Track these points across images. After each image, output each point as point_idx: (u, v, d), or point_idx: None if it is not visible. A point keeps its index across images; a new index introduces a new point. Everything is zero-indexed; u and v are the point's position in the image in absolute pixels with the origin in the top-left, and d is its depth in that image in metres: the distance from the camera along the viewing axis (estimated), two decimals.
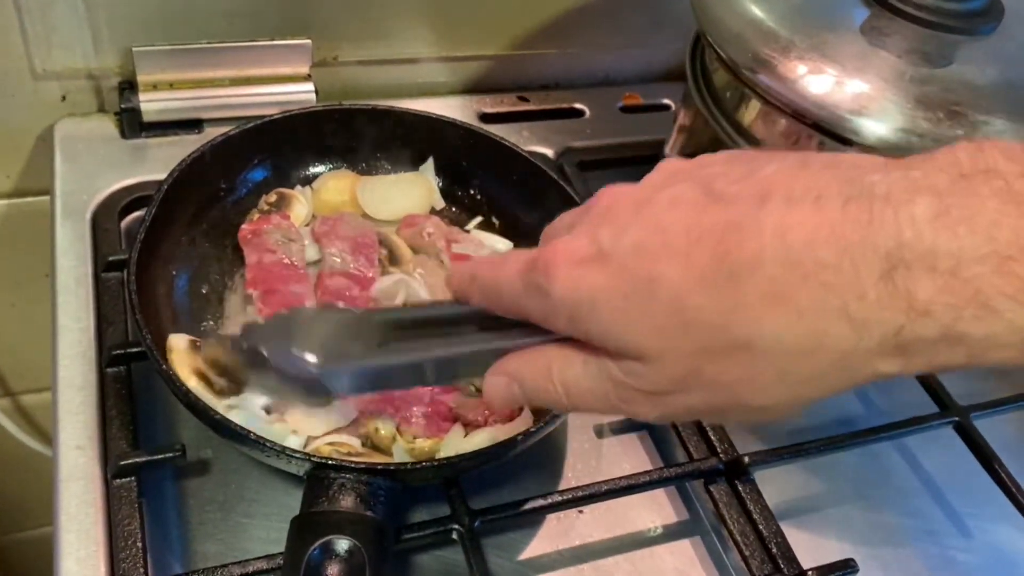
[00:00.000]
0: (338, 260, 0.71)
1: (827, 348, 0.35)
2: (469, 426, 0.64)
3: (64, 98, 0.84)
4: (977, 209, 0.32)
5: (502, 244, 0.78)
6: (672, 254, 0.36)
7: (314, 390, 0.49)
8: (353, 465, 0.53)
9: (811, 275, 0.34)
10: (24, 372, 1.08)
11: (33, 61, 0.80)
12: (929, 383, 0.77)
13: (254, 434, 0.54)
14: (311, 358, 0.47)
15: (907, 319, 0.33)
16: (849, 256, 0.33)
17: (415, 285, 0.72)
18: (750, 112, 0.67)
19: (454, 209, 0.81)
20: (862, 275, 0.33)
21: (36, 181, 0.88)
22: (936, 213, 0.32)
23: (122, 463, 0.58)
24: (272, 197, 0.75)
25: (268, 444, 0.53)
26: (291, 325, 0.50)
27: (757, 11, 0.66)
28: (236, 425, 0.54)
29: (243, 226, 0.73)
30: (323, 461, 0.53)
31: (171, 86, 0.83)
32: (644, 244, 0.37)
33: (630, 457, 0.71)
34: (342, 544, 0.50)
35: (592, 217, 0.41)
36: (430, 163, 0.81)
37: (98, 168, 0.80)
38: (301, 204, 0.76)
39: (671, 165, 0.41)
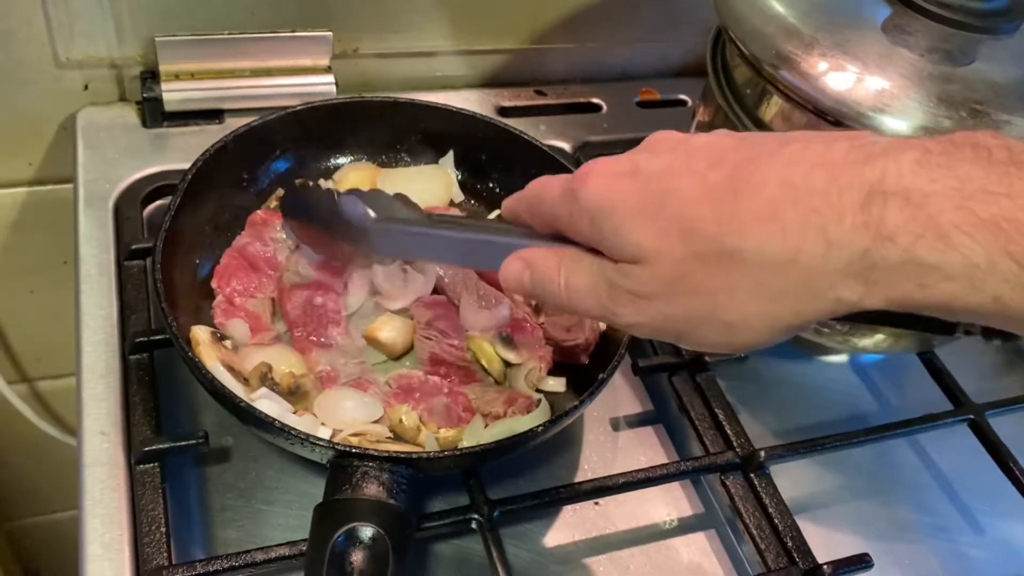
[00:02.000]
0: (297, 277, 0.70)
1: (799, 263, 0.39)
2: (488, 417, 0.65)
3: (86, 87, 0.84)
4: (956, 162, 0.37)
5: None
6: (692, 174, 0.42)
7: (362, 242, 0.60)
8: (376, 453, 0.54)
9: (802, 199, 0.39)
10: (42, 358, 1.08)
11: (56, 49, 0.80)
12: (945, 381, 0.77)
13: (278, 422, 0.55)
14: (371, 212, 0.58)
15: (873, 243, 0.37)
16: (837, 186, 0.38)
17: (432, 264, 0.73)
18: (771, 108, 0.67)
19: (473, 202, 0.82)
20: (845, 202, 0.38)
21: (57, 169, 0.89)
22: (919, 162, 0.37)
23: (146, 449, 0.59)
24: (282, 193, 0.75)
25: (292, 432, 0.54)
26: (366, 193, 0.61)
27: (779, 7, 0.66)
28: (260, 412, 0.55)
29: (258, 211, 0.73)
30: (346, 449, 0.54)
31: (193, 76, 0.84)
32: (672, 166, 0.43)
33: (645, 450, 0.72)
34: (366, 532, 0.51)
35: (637, 148, 0.46)
36: (450, 156, 0.81)
37: (120, 157, 0.81)
38: None
39: (716, 131, 0.46)
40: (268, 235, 0.71)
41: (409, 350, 0.69)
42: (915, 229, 0.36)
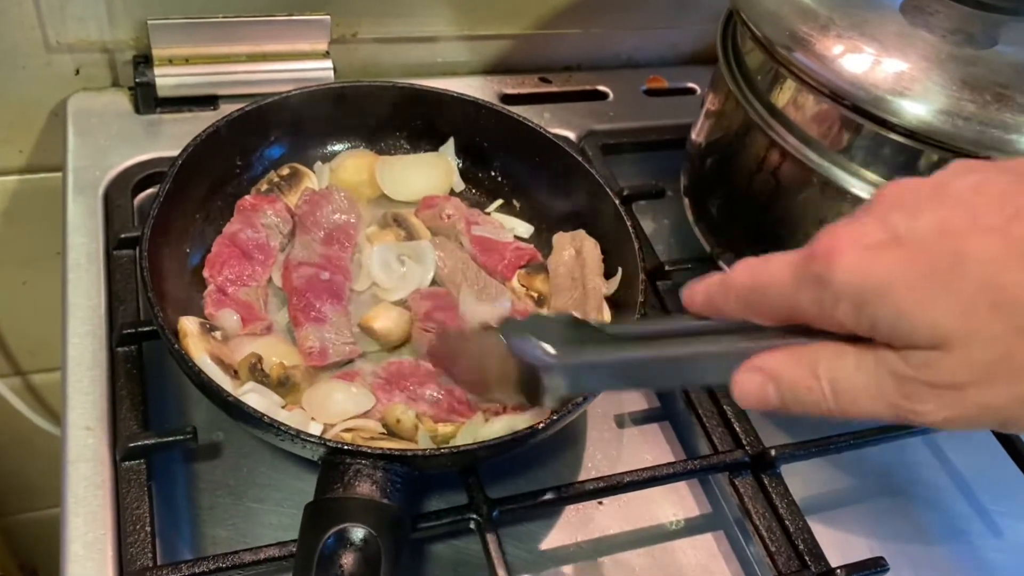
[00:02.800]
0: (305, 252, 0.69)
1: None
2: (488, 412, 0.62)
3: (78, 71, 0.82)
4: None
5: (523, 227, 0.76)
6: (984, 230, 0.34)
7: (543, 384, 0.47)
8: (369, 451, 0.52)
9: None
10: (35, 351, 1.06)
11: (47, 33, 0.78)
12: None
13: (268, 417, 0.52)
14: (549, 348, 0.46)
15: None
16: None
17: (431, 254, 0.71)
18: (784, 93, 0.65)
19: (474, 191, 0.79)
20: None
21: (49, 156, 0.87)
22: None
23: (131, 445, 0.57)
24: (284, 171, 0.74)
25: (283, 428, 0.52)
26: (530, 324, 0.49)
27: None
28: (249, 408, 0.53)
29: (247, 196, 0.71)
30: (338, 446, 0.52)
31: (187, 61, 0.81)
32: (948, 223, 0.34)
33: (651, 447, 0.69)
34: (357, 532, 0.48)
35: (879, 206, 0.37)
36: (450, 143, 0.79)
37: (111, 143, 0.79)
38: (312, 183, 0.74)
39: (965, 162, 0.38)
40: (259, 221, 0.69)
41: (405, 342, 0.67)
42: None
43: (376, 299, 0.69)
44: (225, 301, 0.64)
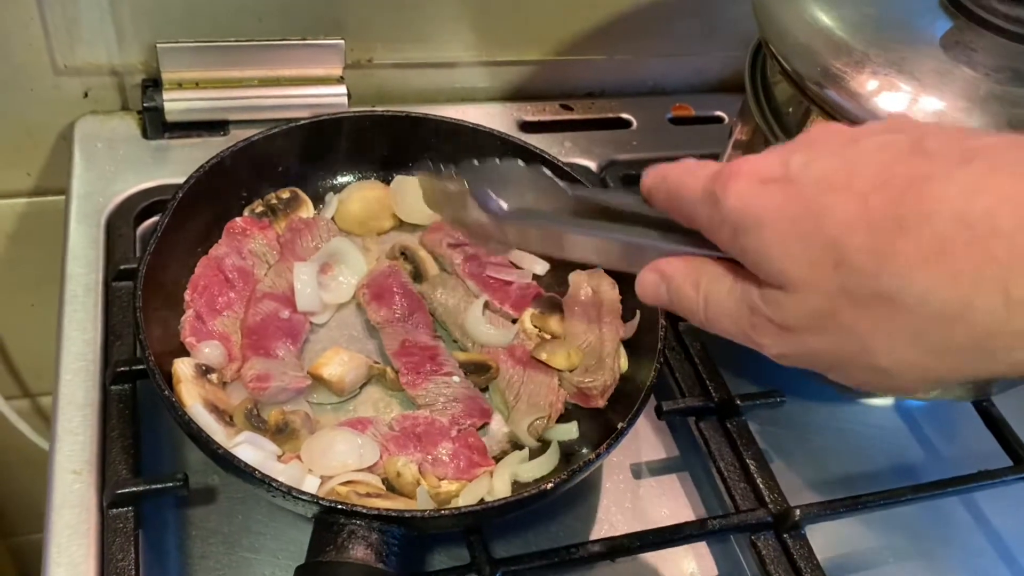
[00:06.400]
0: (277, 280, 0.66)
1: (972, 320, 0.33)
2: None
3: (86, 95, 0.80)
4: None
5: (539, 265, 0.73)
6: (851, 191, 0.36)
7: (496, 230, 0.53)
8: (365, 511, 0.48)
9: (980, 240, 0.32)
10: (43, 373, 1.05)
11: (55, 56, 0.76)
12: (1003, 433, 0.70)
13: (259, 472, 0.49)
14: (503, 203, 0.52)
15: None
16: None
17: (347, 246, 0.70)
18: None
19: None
20: None
21: (57, 180, 0.85)
22: None
23: (119, 492, 0.54)
24: (285, 193, 0.71)
25: (274, 484, 0.49)
26: (497, 170, 0.55)
27: (827, 20, 0.60)
28: (240, 461, 0.50)
29: (237, 218, 0.69)
30: (331, 505, 0.49)
31: (197, 85, 0.79)
32: (829, 176, 0.37)
33: (668, 500, 0.66)
34: None
35: (795, 142, 0.40)
36: None
37: (117, 169, 0.77)
38: (308, 212, 0.72)
39: (901, 117, 0.41)
40: (246, 247, 0.67)
41: (359, 388, 0.64)
42: None
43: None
44: (202, 329, 0.61)
